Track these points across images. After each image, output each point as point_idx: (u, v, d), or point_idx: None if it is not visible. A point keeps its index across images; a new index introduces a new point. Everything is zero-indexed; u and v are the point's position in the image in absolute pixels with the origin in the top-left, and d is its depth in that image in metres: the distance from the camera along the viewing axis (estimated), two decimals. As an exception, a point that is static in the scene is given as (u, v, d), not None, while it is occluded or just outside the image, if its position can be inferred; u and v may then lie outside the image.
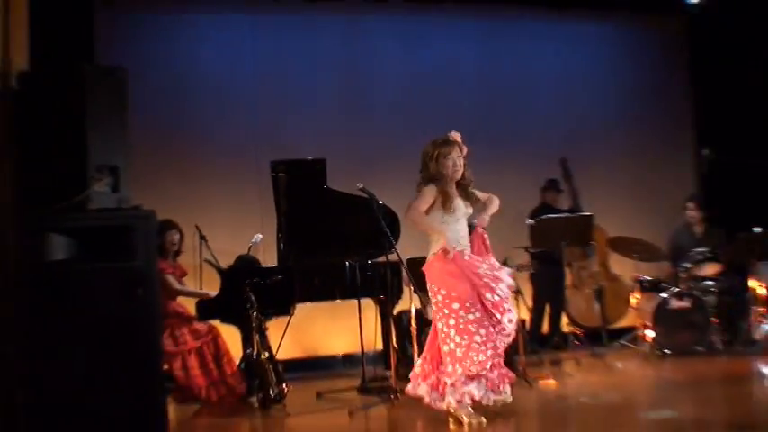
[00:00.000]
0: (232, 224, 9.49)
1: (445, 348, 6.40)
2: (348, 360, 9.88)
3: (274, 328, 8.30)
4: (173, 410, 7.70)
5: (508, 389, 6.64)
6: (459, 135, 7.07)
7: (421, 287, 8.16)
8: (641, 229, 10.87)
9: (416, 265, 8.20)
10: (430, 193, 6.78)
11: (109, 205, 4.74)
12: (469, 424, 6.25)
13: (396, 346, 8.72)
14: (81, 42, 9.27)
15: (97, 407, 4.48)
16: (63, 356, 4.48)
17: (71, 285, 4.55)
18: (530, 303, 10.19)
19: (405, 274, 8.23)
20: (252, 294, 7.74)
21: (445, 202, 6.76)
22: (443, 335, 6.43)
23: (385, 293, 8.58)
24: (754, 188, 9.57)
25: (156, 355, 4.82)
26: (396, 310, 8.86)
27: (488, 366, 6.30)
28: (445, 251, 6.56)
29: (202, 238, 8.46)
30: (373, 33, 11.77)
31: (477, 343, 6.25)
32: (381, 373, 8.62)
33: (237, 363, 8.20)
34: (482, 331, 6.30)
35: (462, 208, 6.90)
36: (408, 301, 8.49)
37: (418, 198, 6.79)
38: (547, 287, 10.68)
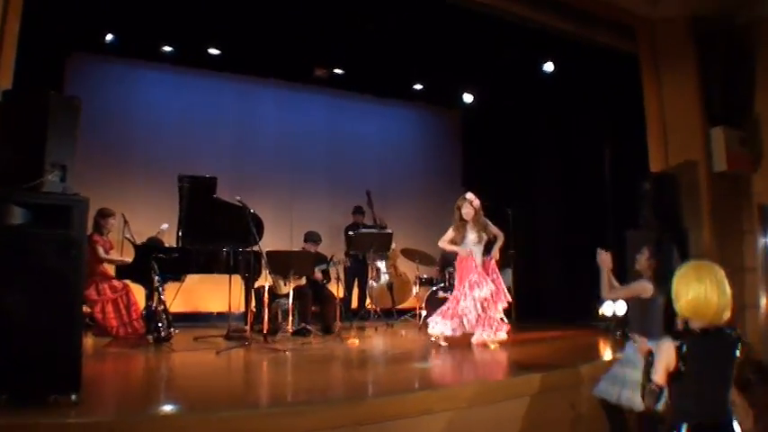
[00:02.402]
0: (148, 215, 9.18)
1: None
2: (220, 316, 9.62)
3: (170, 289, 8.05)
4: (92, 342, 7.48)
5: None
6: (472, 194, 7.90)
7: (272, 271, 8.15)
8: (422, 243, 11.01)
9: (273, 255, 8.18)
10: (451, 231, 7.91)
11: (56, 190, 4.61)
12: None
13: (253, 309, 8.51)
14: (54, 75, 8.97)
15: (35, 329, 4.30)
16: (14, 292, 4.28)
17: (25, 243, 4.38)
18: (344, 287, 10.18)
19: (264, 261, 8.10)
20: (155, 264, 7.59)
21: (457, 237, 7.82)
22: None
23: (248, 272, 8.40)
24: (494, 222, 9.86)
25: (79, 297, 4.62)
26: (256, 285, 8.65)
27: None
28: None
29: (125, 222, 8.16)
30: (258, 98, 11.69)
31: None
32: (241, 327, 8.42)
33: (141, 311, 7.91)
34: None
35: (473, 238, 7.74)
36: (264, 279, 8.41)
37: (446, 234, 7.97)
38: (356, 277, 10.72)
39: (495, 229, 7.97)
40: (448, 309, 7.82)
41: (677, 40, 8.88)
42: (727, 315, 3.32)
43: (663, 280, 5.10)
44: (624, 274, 6.02)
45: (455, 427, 5.14)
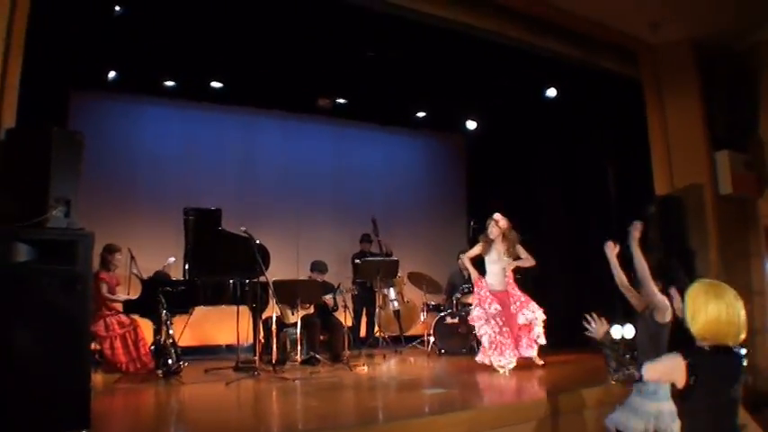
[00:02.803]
0: (154, 249, 9.12)
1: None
2: (229, 348, 9.57)
3: (178, 322, 8.04)
4: (101, 378, 7.42)
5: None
6: (499, 214, 8.12)
7: (279, 300, 8.11)
8: (429, 269, 11.00)
9: (279, 285, 8.15)
10: (477, 246, 8.23)
11: (61, 226, 4.60)
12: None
13: (261, 340, 8.52)
14: (58, 113, 8.93)
15: (41, 366, 4.28)
16: (20, 330, 4.25)
17: (30, 280, 4.36)
18: (352, 315, 10.16)
19: (271, 291, 8.07)
20: (163, 298, 7.59)
21: (482, 250, 8.13)
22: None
23: (255, 303, 8.39)
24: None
25: (86, 332, 4.62)
26: (264, 316, 8.62)
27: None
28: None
29: (132, 257, 8.14)
30: (262, 130, 11.72)
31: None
32: (250, 358, 8.36)
33: (149, 346, 7.89)
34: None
35: (499, 256, 8.07)
36: (271, 310, 8.42)
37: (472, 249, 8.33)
38: (364, 305, 10.67)
39: (524, 253, 8.18)
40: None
41: (680, 64, 8.88)
42: (743, 335, 3.22)
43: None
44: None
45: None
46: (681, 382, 3.15)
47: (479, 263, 8.35)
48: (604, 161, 10.85)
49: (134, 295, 8.08)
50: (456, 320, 9.81)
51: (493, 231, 8.06)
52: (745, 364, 3.29)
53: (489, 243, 8.09)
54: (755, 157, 8.94)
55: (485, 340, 7.84)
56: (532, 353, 7.94)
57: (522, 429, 5.56)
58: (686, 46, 8.83)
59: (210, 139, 11.15)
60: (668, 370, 3.20)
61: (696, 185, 8.53)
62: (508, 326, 7.83)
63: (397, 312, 10.47)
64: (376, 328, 10.41)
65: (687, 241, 8.05)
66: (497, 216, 8.11)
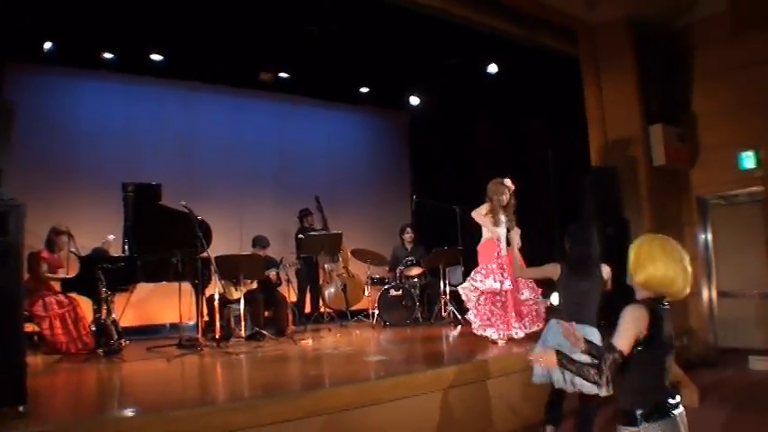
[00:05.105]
0: (92, 226, 8.94)
1: None
2: (173, 327, 9.47)
3: (120, 301, 7.95)
4: (41, 359, 7.31)
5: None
6: (510, 180, 7.52)
7: (222, 276, 8.05)
8: (373, 244, 11.05)
9: (221, 260, 8.09)
10: (484, 207, 7.44)
11: (-10, 196, 4.47)
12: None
13: (205, 317, 8.45)
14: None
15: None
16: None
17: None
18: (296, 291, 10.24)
19: (213, 267, 8.02)
20: (102, 275, 7.44)
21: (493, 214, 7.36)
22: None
23: (198, 279, 8.25)
24: (443, 221, 9.89)
25: (18, 307, 4.48)
26: (207, 293, 8.51)
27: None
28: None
29: (70, 236, 7.95)
30: (204, 104, 11.58)
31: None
32: (194, 336, 8.29)
33: (90, 325, 7.72)
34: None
35: (502, 222, 7.31)
36: (215, 286, 8.39)
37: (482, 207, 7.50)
38: (308, 280, 10.72)
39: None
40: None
41: (617, 42, 9.12)
42: (688, 290, 3.14)
43: (579, 262, 5.12)
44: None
45: (404, 415, 5.30)
46: (642, 333, 2.98)
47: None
48: (545, 135, 11.04)
49: (73, 274, 7.91)
50: (400, 293, 9.92)
51: (503, 198, 7.39)
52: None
53: (497, 209, 7.38)
54: (688, 130, 9.27)
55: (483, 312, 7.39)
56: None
57: (461, 391, 5.72)
58: (623, 25, 9.07)
59: (151, 113, 10.96)
60: (635, 328, 2.99)
61: (630, 157, 8.77)
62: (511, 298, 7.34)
63: (343, 287, 10.46)
64: (321, 303, 10.44)
65: (622, 210, 8.27)
66: (508, 181, 7.50)
